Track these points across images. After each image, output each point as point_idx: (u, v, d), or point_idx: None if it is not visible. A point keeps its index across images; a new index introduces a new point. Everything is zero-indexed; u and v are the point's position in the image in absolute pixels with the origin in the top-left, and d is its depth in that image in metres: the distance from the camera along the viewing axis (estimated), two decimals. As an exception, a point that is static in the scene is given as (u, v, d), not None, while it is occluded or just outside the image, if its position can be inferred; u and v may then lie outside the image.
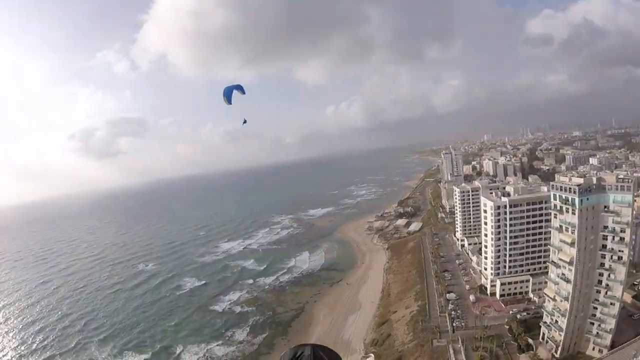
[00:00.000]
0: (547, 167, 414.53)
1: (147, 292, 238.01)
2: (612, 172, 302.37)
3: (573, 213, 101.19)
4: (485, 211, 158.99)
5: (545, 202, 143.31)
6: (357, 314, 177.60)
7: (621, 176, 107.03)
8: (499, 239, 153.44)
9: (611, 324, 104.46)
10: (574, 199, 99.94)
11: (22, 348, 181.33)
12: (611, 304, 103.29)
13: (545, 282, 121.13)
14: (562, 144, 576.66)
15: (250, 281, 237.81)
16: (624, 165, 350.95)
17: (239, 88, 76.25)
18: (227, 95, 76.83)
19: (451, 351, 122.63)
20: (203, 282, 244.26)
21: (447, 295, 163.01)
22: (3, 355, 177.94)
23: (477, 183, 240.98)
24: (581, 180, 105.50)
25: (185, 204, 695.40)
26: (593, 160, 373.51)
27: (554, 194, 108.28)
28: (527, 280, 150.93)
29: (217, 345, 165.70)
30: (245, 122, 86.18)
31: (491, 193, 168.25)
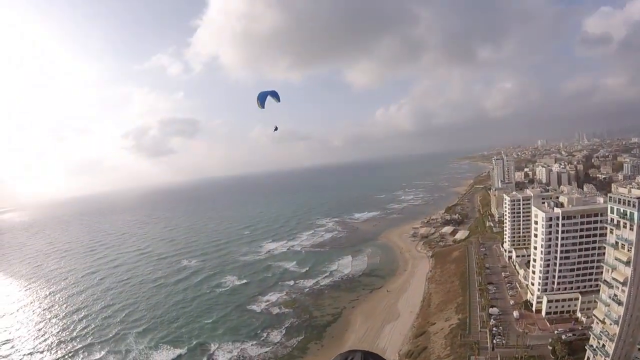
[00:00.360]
0: (603, 176, 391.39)
1: (189, 288, 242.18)
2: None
3: (631, 229, 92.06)
4: (536, 222, 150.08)
5: (602, 215, 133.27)
6: (394, 323, 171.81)
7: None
8: (549, 252, 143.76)
9: None
10: (633, 213, 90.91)
11: (64, 334, 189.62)
12: None
13: (596, 302, 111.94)
14: (620, 151, 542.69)
15: (291, 283, 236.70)
16: None
17: (274, 95, 76.08)
18: (261, 100, 77.20)
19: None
20: (244, 281, 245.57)
21: (490, 309, 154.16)
22: (46, 340, 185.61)
23: (528, 191, 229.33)
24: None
25: (232, 203, 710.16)
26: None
27: (611, 207, 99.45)
28: (576, 299, 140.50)
29: (252, 345, 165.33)
30: (276, 129, 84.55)
31: (543, 203, 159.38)
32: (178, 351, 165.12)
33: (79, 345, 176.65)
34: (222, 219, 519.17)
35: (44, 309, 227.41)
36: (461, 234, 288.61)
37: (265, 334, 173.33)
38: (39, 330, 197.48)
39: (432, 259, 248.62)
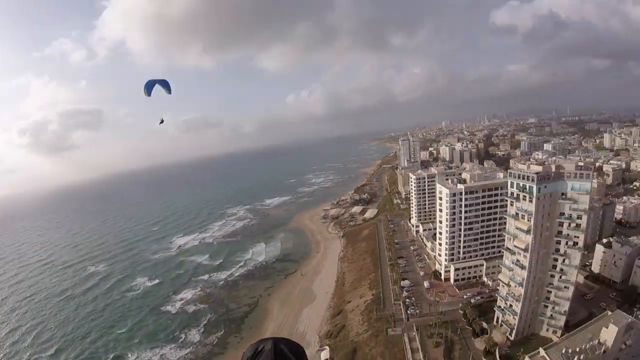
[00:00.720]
0: (502, 153, 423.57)
1: (99, 296, 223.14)
2: (566, 157, 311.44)
3: (530, 201, 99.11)
4: (440, 198, 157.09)
5: (501, 189, 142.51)
6: (311, 305, 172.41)
7: (581, 164, 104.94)
8: (454, 225, 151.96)
9: (565, 306, 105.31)
10: (532, 186, 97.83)
11: None
12: (565, 287, 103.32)
13: (499, 266, 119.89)
14: (517, 131, 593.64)
15: (205, 277, 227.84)
16: (577, 151, 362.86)
17: (165, 85, 70.96)
18: (148, 88, 71.58)
19: (406, 339, 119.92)
20: (156, 281, 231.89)
21: (402, 282, 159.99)
22: None
23: (433, 169, 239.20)
24: (539, 168, 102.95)
25: (141, 198, 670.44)
26: (547, 146, 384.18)
27: (511, 182, 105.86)
28: (481, 265, 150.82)
29: (171, 349, 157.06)
30: (162, 121, 79.66)
31: (447, 180, 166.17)
32: None
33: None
34: (131, 215, 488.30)
35: None
36: (370, 213, 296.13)
37: (183, 335, 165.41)
38: None
39: (343, 239, 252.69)
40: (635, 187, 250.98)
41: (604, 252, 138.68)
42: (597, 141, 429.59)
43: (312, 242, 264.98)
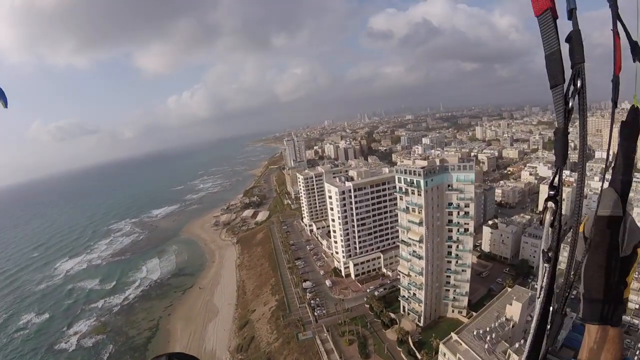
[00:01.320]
0: (384, 148, 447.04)
1: None
2: (443, 149, 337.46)
3: (419, 194, 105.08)
4: (330, 197, 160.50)
5: (388, 183, 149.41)
6: (215, 320, 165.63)
7: (458, 155, 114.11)
8: (347, 222, 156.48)
9: (465, 287, 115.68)
10: (419, 181, 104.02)
11: None
12: (463, 270, 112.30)
13: (396, 257, 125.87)
14: (397, 127, 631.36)
15: (98, 304, 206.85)
16: (452, 143, 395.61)
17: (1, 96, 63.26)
18: None
19: (318, 342, 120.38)
20: (46, 316, 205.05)
21: (304, 284, 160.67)
22: None
23: (320, 169, 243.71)
24: (425, 163, 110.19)
25: (13, 221, 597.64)
26: (425, 140, 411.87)
27: (399, 177, 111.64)
28: (379, 258, 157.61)
29: None
30: None
31: (335, 178, 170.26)
32: None
33: None
34: (6, 241, 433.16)
35: None
36: (262, 216, 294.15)
37: None
38: None
39: (238, 245, 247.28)
40: (509, 172, 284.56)
41: (491, 233, 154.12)
42: (470, 133, 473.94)
43: (206, 252, 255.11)
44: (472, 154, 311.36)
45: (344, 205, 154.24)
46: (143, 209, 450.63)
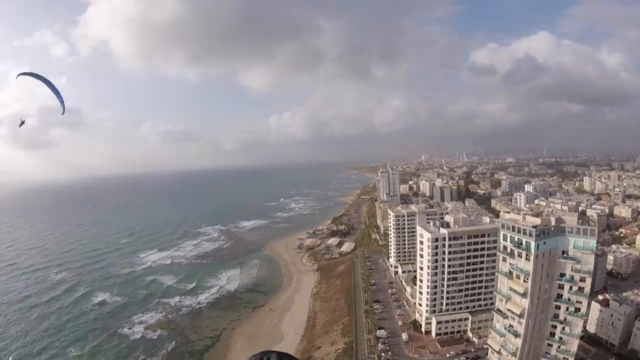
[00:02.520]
0: (483, 192, 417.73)
1: (62, 308, 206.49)
2: (548, 199, 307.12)
3: (527, 259, 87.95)
4: (421, 242, 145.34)
5: (488, 236, 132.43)
6: (277, 346, 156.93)
7: (576, 215, 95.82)
8: (436, 273, 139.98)
9: None
10: (530, 242, 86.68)
11: None
12: (564, 358, 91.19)
13: (486, 322, 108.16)
14: (497, 169, 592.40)
15: (171, 301, 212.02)
16: (557, 194, 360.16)
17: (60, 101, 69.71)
18: (29, 74, 69.30)
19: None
20: (121, 300, 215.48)
21: (377, 332, 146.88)
22: None
23: (413, 207, 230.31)
24: (537, 221, 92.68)
25: (116, 206, 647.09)
26: (528, 187, 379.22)
27: (504, 234, 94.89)
28: (466, 319, 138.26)
29: None
30: (22, 123, 75.14)
31: (428, 222, 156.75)
32: None
33: None
34: (103, 224, 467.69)
35: None
36: (347, 246, 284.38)
37: None
38: None
39: (317, 273, 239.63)
40: (621, 235, 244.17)
41: (600, 311, 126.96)
42: (577, 184, 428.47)
43: (285, 273, 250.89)
44: (580, 208, 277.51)
45: (436, 253, 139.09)
46: (233, 218, 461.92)
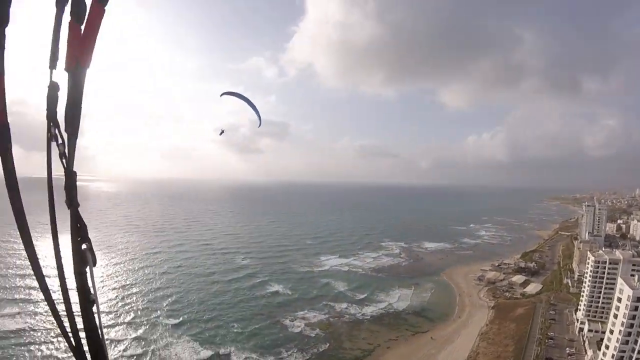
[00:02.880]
0: None
1: (238, 290, 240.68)
2: None
3: None
4: (619, 298, 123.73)
5: None
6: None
7: None
8: (628, 341, 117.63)
9: None
10: None
11: (102, 307, 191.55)
12: None
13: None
14: None
15: (335, 305, 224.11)
16: None
17: (257, 114, 77.91)
18: (229, 93, 79.14)
19: None
20: (292, 295, 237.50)
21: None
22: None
23: (618, 253, 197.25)
24: None
25: (307, 210, 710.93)
26: None
27: None
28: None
29: None
30: (222, 133, 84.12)
31: (634, 274, 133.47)
32: (203, 353, 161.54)
33: (108, 323, 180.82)
34: (294, 224, 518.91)
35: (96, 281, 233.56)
36: (533, 287, 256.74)
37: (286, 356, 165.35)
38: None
39: (492, 311, 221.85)
40: None
41: None
42: None
43: (457, 303, 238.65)
44: None
45: (634, 317, 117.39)
46: (417, 237, 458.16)
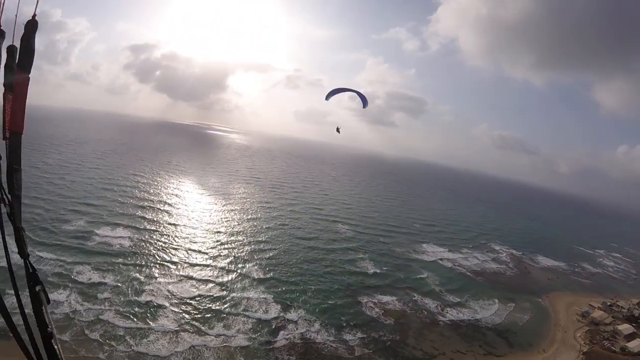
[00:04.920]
0: None
1: (331, 260, 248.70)
2: None
3: None
4: None
5: None
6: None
7: None
8: None
9: None
10: None
11: (210, 252, 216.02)
12: None
13: None
14: None
15: (422, 299, 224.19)
16: None
17: (361, 97, 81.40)
18: (332, 92, 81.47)
19: None
20: (380, 276, 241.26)
21: None
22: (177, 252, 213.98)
23: None
24: None
25: (427, 193, 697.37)
26: None
27: None
28: None
29: (332, 337, 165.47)
30: (338, 131, 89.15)
31: None
32: (272, 310, 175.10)
33: (204, 262, 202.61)
34: (410, 206, 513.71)
35: (206, 222, 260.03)
36: (637, 345, 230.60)
37: (352, 337, 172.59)
38: (187, 237, 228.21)
39: (581, 357, 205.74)
40: None
41: None
42: None
43: (547, 335, 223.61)
44: None
45: None
46: (532, 248, 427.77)
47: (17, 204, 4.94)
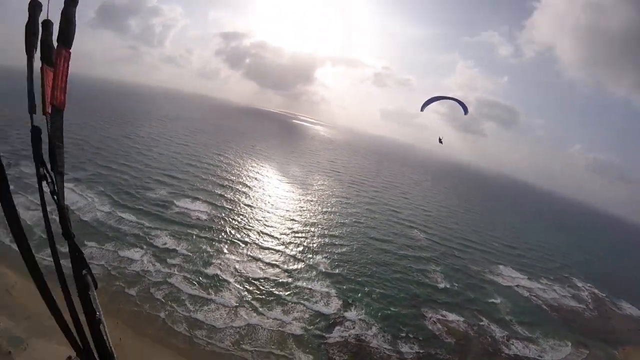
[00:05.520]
0: None
1: (401, 266, 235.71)
2: None
3: None
4: None
5: None
6: None
7: None
8: None
9: None
10: None
11: (283, 239, 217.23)
12: None
13: None
14: None
15: (485, 323, 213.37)
16: None
17: (461, 105, 77.60)
18: (428, 102, 78.25)
19: None
20: (449, 293, 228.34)
21: None
22: (239, 237, 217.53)
23: None
24: None
25: (513, 212, 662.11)
26: None
27: None
28: None
29: (388, 345, 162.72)
30: (441, 141, 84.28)
31: None
32: (332, 305, 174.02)
33: (276, 247, 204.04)
34: (492, 223, 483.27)
35: (282, 208, 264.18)
36: None
37: (409, 346, 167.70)
38: (261, 221, 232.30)
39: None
40: None
41: None
42: None
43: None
44: None
45: None
46: (621, 290, 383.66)
47: (60, 181, 4.61)
